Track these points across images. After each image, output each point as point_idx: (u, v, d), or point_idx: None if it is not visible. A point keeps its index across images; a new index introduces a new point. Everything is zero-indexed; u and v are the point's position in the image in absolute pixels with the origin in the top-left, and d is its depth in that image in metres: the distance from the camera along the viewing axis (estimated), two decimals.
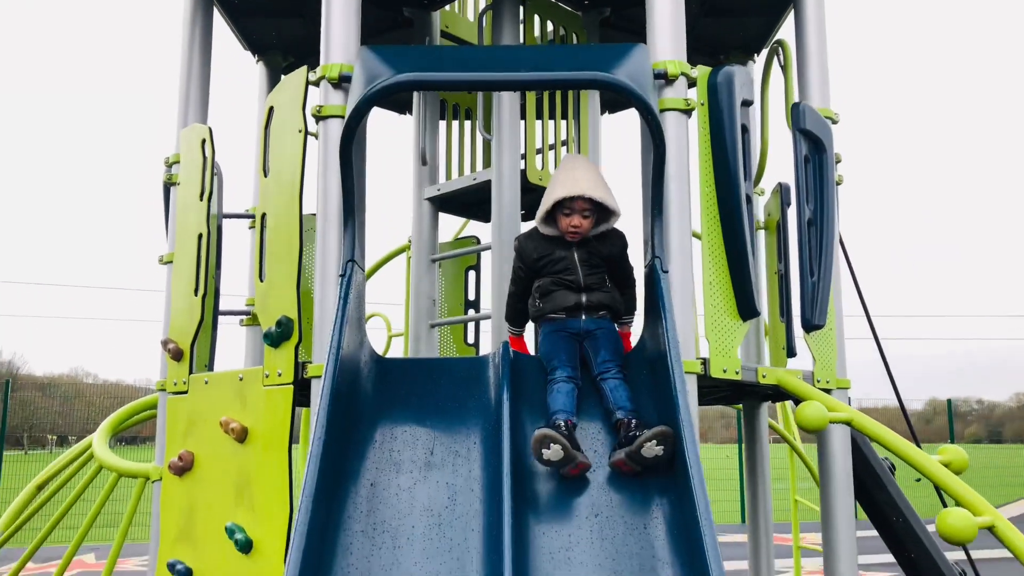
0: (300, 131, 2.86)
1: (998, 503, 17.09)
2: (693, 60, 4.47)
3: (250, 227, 4.46)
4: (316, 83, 2.88)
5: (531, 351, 3.02)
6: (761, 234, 4.27)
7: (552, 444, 2.34)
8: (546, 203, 2.79)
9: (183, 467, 3.23)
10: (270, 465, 2.85)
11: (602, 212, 2.78)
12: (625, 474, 2.40)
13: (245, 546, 2.86)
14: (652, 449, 2.34)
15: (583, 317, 2.73)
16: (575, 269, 2.75)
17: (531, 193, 3.87)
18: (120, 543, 3.88)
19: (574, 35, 4.15)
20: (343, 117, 2.71)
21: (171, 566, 3.17)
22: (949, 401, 18.06)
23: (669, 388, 2.35)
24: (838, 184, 3.58)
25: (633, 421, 2.46)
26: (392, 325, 5.92)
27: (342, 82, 2.80)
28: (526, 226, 4.06)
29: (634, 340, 2.86)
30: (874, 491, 3.97)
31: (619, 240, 2.86)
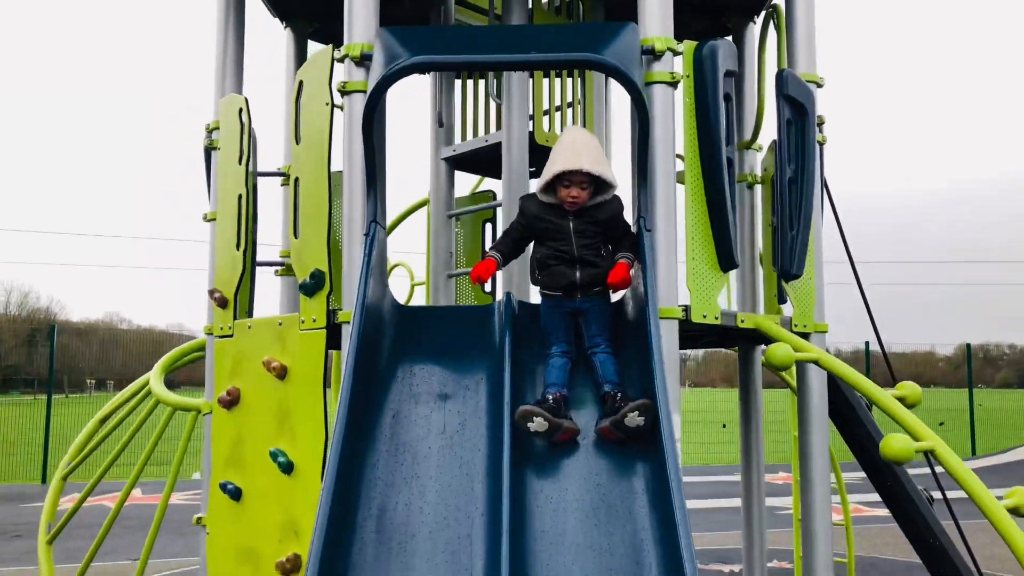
0: (327, 104, 3.21)
1: None
2: (694, 23, 4.73)
3: (282, 184, 4.84)
4: (341, 60, 3.22)
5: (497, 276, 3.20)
6: (758, 188, 4.58)
7: (535, 418, 2.62)
8: (546, 175, 2.95)
9: (231, 401, 3.67)
10: (307, 398, 3.27)
11: (599, 184, 2.95)
12: (610, 441, 2.68)
13: (287, 467, 3.30)
14: (634, 419, 2.60)
15: (578, 296, 2.91)
16: (570, 239, 2.91)
17: (539, 153, 4.20)
18: (176, 470, 4.35)
19: (580, 4, 4.42)
20: (365, 92, 3.05)
21: (223, 486, 3.63)
22: (968, 346, 18.31)
23: (647, 336, 2.71)
24: (821, 144, 3.88)
25: (618, 394, 2.71)
26: (415, 274, 6.33)
27: (364, 60, 3.13)
28: (534, 184, 4.41)
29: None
30: (854, 426, 4.34)
31: (615, 203, 3.01)
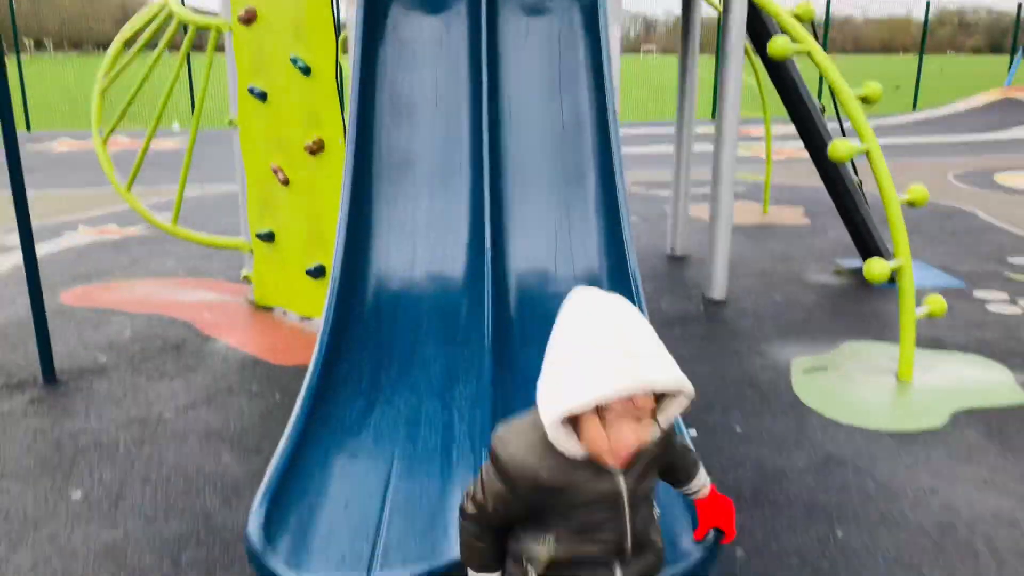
0: None
1: (974, 92, 18.52)
2: None
3: None
4: None
5: None
6: None
7: None
8: (577, 401, 1.32)
9: (248, 19, 4.34)
10: (319, 10, 3.95)
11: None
12: None
13: (306, 70, 4.09)
14: None
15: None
16: (621, 512, 1.47)
17: None
18: (201, 103, 4.96)
19: None
20: None
21: (250, 90, 4.43)
22: (927, 5, 18.60)
23: None
24: None
25: None
26: None
27: None
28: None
29: None
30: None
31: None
